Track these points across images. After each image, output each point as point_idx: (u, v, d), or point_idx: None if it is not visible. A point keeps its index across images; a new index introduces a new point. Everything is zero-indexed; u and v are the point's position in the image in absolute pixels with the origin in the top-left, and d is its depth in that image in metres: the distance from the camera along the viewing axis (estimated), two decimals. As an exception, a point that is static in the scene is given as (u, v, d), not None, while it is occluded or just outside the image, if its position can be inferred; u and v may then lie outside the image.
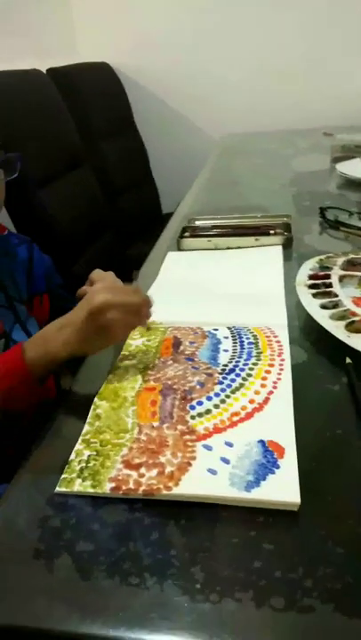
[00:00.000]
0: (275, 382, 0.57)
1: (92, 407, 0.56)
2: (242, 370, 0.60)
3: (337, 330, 0.63)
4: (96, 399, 0.57)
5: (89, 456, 0.50)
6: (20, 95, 1.48)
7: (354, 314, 0.65)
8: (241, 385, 0.58)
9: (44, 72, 1.73)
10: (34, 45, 2.15)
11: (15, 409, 0.59)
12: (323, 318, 0.65)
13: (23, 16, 2.17)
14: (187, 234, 1.04)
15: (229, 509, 0.44)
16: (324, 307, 0.68)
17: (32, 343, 0.60)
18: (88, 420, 0.54)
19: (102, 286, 0.60)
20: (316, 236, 1.02)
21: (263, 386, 0.57)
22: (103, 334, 0.59)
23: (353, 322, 0.63)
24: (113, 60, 2.20)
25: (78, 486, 0.47)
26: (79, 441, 0.52)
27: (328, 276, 0.75)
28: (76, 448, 0.51)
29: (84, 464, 0.49)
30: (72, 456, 0.50)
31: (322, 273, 0.77)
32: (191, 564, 0.40)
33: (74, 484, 0.47)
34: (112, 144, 2.03)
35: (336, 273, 0.75)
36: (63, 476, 0.48)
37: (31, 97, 1.54)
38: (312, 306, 0.68)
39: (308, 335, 0.67)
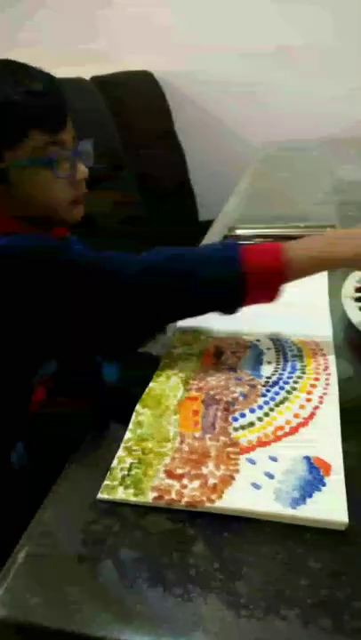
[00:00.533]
0: (321, 397, 0.56)
1: (134, 414, 0.56)
2: (286, 383, 0.59)
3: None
4: (138, 406, 0.57)
5: (131, 464, 0.50)
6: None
7: None
8: (285, 398, 0.57)
9: (89, 79, 1.76)
10: (79, 53, 2.19)
11: (252, 299, 0.61)
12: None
13: (67, 25, 2.22)
14: (228, 243, 1.04)
15: (274, 525, 0.43)
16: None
17: (296, 243, 0.63)
18: (130, 427, 0.54)
19: None
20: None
21: (309, 400, 0.56)
22: None
23: None
24: (155, 68, 2.22)
25: (121, 494, 0.47)
26: (121, 448, 0.52)
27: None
28: (117, 455, 0.51)
29: (125, 471, 0.49)
30: (114, 463, 0.50)
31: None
32: (235, 578, 0.40)
33: (116, 491, 0.47)
34: (152, 151, 2.04)
35: (382, 286, 0.74)
36: (105, 482, 0.48)
37: (75, 104, 1.57)
38: (358, 319, 0.67)
39: (355, 349, 0.66)
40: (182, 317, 0.67)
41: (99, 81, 1.84)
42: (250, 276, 0.59)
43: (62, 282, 0.58)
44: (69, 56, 2.16)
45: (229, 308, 0.64)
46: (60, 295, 0.58)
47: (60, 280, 0.58)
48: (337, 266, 0.66)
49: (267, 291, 0.61)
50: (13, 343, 0.59)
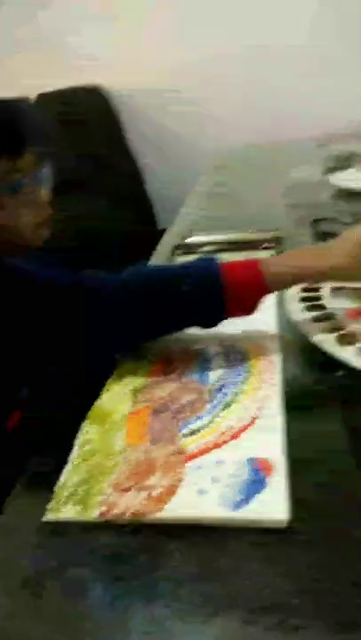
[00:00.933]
0: (265, 398, 0.57)
1: (81, 431, 0.56)
2: (232, 387, 0.60)
3: (327, 343, 0.62)
4: (85, 423, 0.57)
5: (77, 482, 0.49)
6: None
7: (343, 327, 0.65)
8: (231, 402, 0.58)
9: (36, 97, 1.76)
10: (27, 69, 2.18)
11: (232, 312, 0.64)
12: (313, 331, 0.65)
13: (12, 39, 2.21)
14: (179, 251, 1.05)
15: (218, 529, 0.44)
16: (315, 319, 0.68)
17: (273, 258, 0.69)
18: (77, 444, 0.54)
19: None
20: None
21: (253, 403, 0.57)
22: None
23: (343, 334, 0.63)
24: (103, 81, 2.23)
25: (67, 513, 0.46)
26: (67, 467, 0.52)
27: (319, 289, 0.75)
28: (63, 474, 0.51)
29: (71, 490, 0.49)
30: (60, 483, 0.50)
31: (314, 285, 0.76)
32: (181, 586, 0.40)
33: (62, 510, 0.47)
34: (105, 164, 2.05)
35: (327, 285, 0.75)
36: (51, 503, 0.48)
37: (23, 124, 1.57)
38: (302, 319, 0.68)
39: (300, 349, 0.67)
40: (165, 333, 0.69)
41: (46, 98, 1.84)
42: (230, 289, 0.62)
43: (42, 302, 0.60)
44: (13, 73, 2.15)
45: (210, 321, 0.66)
46: (39, 314, 0.60)
47: (39, 300, 0.60)
48: (312, 279, 0.70)
49: (246, 303, 0.64)
50: None
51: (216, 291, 0.62)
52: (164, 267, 0.69)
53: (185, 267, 0.67)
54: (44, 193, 0.67)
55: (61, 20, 2.19)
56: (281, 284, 0.67)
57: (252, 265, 0.64)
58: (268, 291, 0.65)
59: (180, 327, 0.68)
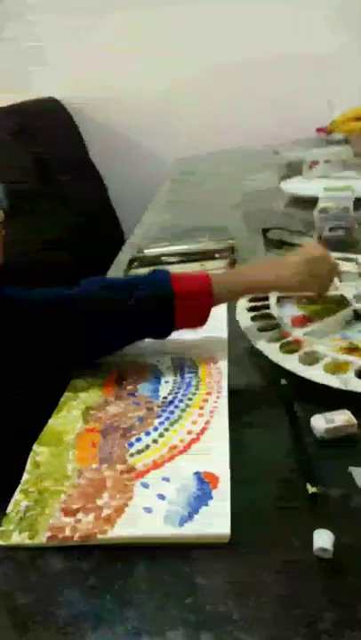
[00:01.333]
0: (212, 411, 0.58)
1: (31, 454, 0.56)
2: (181, 401, 0.61)
3: (271, 351, 0.64)
4: (35, 446, 0.57)
5: (27, 506, 0.50)
6: None
7: (287, 335, 0.66)
8: (179, 417, 0.59)
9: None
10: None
11: (182, 322, 0.67)
12: (259, 340, 0.67)
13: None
14: (135, 264, 1.06)
15: (165, 547, 0.45)
16: (262, 329, 0.70)
17: (219, 274, 0.72)
18: (27, 468, 0.54)
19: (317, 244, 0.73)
20: (261, 257, 1.04)
21: (201, 415, 0.58)
22: (314, 279, 0.69)
23: (286, 343, 0.65)
24: (60, 95, 2.23)
25: (16, 538, 0.47)
26: (17, 491, 0.52)
27: (267, 298, 0.77)
28: (13, 499, 0.51)
29: (21, 515, 0.49)
30: (9, 508, 0.50)
31: (262, 295, 0.78)
32: (126, 607, 0.41)
33: (11, 536, 0.47)
34: (68, 179, 2.04)
35: (274, 294, 0.77)
36: (1, 528, 0.48)
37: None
38: (249, 328, 0.70)
39: (251, 358, 0.68)
40: (119, 346, 0.71)
41: (3, 112, 1.82)
42: (179, 299, 0.64)
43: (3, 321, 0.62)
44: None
45: (162, 331, 0.68)
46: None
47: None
48: (261, 289, 0.73)
49: (196, 313, 0.67)
50: None
51: (166, 300, 0.65)
52: (118, 279, 0.72)
53: (137, 278, 0.70)
54: None
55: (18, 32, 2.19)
56: (230, 294, 0.70)
57: (202, 276, 0.67)
58: (217, 301, 0.67)
59: (134, 339, 0.70)
